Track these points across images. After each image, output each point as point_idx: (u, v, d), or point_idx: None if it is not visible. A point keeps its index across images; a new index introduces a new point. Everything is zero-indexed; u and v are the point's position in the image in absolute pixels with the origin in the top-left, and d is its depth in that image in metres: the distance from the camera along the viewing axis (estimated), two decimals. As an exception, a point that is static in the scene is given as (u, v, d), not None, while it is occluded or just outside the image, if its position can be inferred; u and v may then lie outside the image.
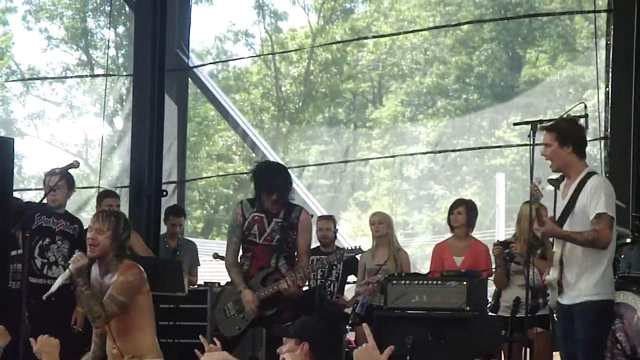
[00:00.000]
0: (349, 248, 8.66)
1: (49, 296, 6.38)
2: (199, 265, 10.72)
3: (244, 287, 7.81)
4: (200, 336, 5.56)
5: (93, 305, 6.10)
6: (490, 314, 8.67)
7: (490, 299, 8.83)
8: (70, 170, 8.18)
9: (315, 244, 9.89)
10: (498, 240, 9.18)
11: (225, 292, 8.06)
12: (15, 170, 8.27)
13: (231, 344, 7.73)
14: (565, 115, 7.71)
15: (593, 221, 6.43)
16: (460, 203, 9.27)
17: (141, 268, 6.40)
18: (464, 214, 9.09)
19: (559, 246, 6.63)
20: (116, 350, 6.20)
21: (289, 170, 8.34)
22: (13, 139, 8.24)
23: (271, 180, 7.92)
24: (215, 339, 5.48)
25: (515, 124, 9.55)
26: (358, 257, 9.41)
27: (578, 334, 6.47)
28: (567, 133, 6.57)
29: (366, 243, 9.20)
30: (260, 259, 7.86)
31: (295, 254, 8.07)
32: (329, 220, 10.19)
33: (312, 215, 9.71)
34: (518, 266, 8.47)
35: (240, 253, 8.03)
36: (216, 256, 9.45)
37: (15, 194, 8.93)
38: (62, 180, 8.46)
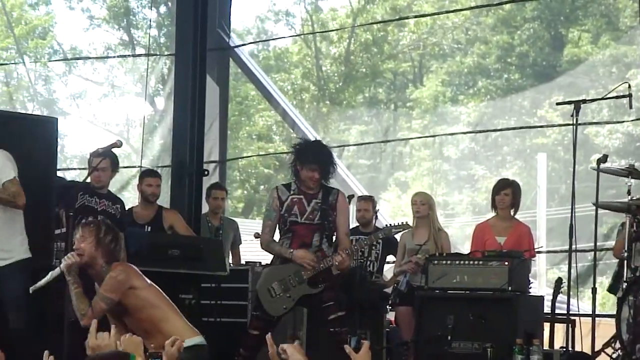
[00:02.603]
0: (396, 224, 8.53)
1: (35, 289, 6.45)
2: (241, 243, 10.78)
3: (291, 250, 7.73)
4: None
5: (80, 303, 6.20)
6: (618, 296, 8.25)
7: (609, 280, 8.65)
8: (113, 150, 8.25)
9: (354, 223, 9.88)
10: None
11: (267, 272, 7.93)
12: (57, 149, 8.32)
13: (273, 323, 7.75)
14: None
15: None
16: (507, 184, 9.15)
17: (130, 266, 6.43)
18: (510, 195, 9.01)
19: None
20: (154, 345, 6.22)
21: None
22: (57, 119, 8.31)
23: (315, 156, 7.84)
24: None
25: (558, 104, 9.49)
26: (398, 237, 9.39)
27: None
28: None
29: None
30: (302, 236, 7.75)
31: (334, 235, 8.05)
32: (368, 201, 10.15)
33: (352, 196, 9.73)
34: None
35: (278, 236, 7.98)
36: (257, 235, 9.41)
37: (58, 173, 9.00)
38: (106, 161, 8.48)
